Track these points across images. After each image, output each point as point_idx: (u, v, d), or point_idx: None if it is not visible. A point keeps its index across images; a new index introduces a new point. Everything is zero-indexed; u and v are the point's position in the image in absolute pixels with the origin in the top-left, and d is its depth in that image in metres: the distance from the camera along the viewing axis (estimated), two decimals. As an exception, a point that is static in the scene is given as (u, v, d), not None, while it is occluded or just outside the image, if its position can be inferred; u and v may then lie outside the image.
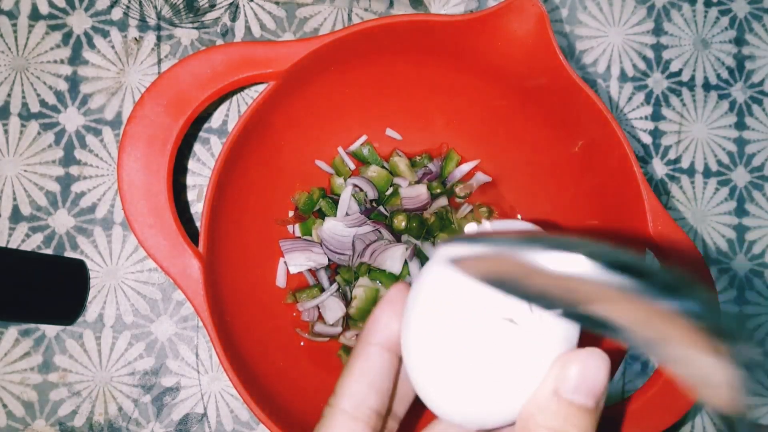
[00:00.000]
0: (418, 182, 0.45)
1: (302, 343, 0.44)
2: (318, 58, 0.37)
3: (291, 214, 0.45)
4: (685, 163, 0.49)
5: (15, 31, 0.46)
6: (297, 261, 0.43)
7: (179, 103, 0.35)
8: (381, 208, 0.45)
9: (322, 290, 0.44)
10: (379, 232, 0.43)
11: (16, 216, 0.46)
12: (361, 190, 0.44)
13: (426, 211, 0.45)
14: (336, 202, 0.44)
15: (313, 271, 0.45)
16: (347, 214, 0.44)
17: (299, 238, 0.45)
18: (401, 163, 0.45)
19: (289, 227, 0.45)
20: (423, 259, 0.43)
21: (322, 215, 0.45)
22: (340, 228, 0.43)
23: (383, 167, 0.45)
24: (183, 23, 0.47)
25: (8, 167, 0.46)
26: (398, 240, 0.44)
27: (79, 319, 0.45)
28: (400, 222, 0.43)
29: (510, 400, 0.21)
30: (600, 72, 0.50)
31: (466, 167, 0.46)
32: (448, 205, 0.45)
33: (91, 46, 0.47)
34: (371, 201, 0.45)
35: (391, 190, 0.45)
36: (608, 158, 0.38)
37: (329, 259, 0.44)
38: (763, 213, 0.49)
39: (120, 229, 0.46)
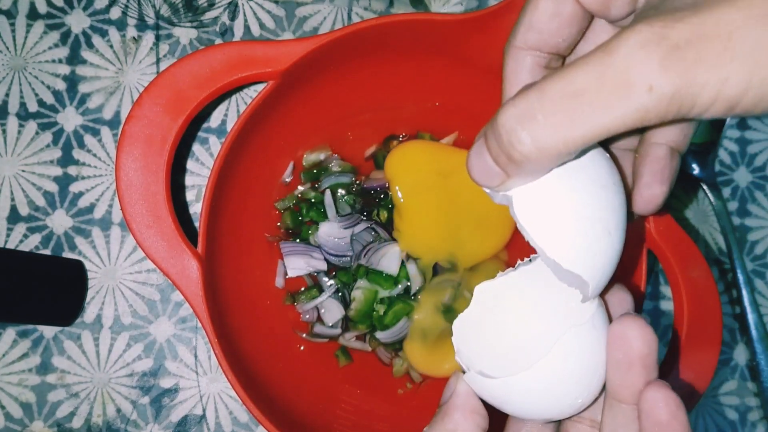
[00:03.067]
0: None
1: (301, 346, 0.44)
2: (317, 57, 0.37)
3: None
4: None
5: (13, 31, 0.46)
6: (296, 265, 0.43)
7: (178, 103, 0.35)
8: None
9: (321, 291, 0.44)
10: (374, 230, 0.43)
11: (13, 216, 0.45)
12: (339, 186, 0.43)
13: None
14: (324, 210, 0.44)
15: (312, 272, 0.45)
16: (340, 215, 0.43)
17: (299, 240, 0.45)
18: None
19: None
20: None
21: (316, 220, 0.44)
22: (336, 230, 0.43)
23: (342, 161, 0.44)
24: (182, 22, 0.47)
25: (6, 167, 0.46)
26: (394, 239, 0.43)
27: (77, 320, 0.45)
28: (383, 215, 0.43)
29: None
30: (601, 72, 0.50)
31: (466, 167, 0.46)
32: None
33: (90, 45, 0.46)
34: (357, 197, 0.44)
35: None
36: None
37: (328, 264, 0.43)
38: (764, 213, 0.49)
39: (118, 229, 0.46)
